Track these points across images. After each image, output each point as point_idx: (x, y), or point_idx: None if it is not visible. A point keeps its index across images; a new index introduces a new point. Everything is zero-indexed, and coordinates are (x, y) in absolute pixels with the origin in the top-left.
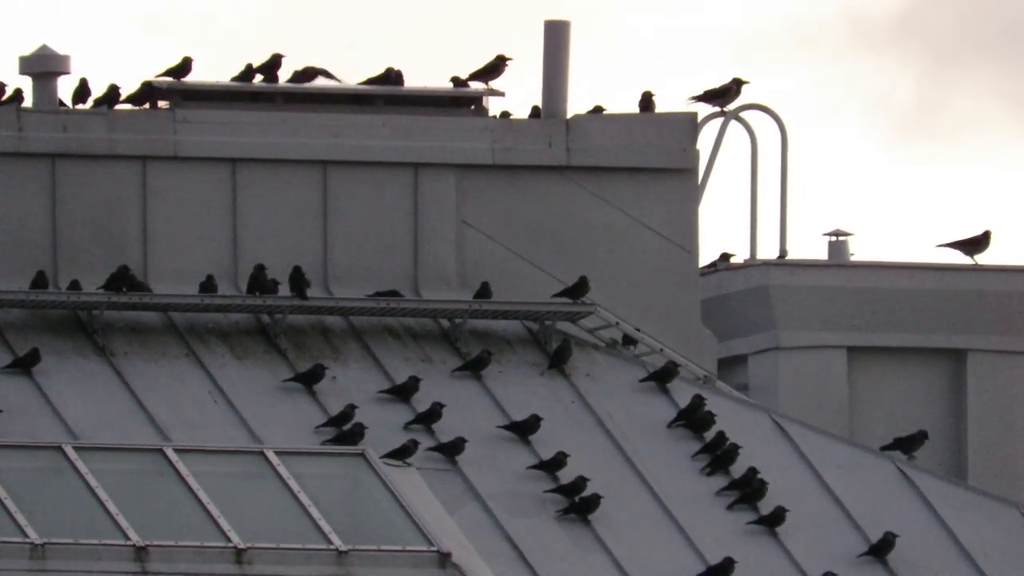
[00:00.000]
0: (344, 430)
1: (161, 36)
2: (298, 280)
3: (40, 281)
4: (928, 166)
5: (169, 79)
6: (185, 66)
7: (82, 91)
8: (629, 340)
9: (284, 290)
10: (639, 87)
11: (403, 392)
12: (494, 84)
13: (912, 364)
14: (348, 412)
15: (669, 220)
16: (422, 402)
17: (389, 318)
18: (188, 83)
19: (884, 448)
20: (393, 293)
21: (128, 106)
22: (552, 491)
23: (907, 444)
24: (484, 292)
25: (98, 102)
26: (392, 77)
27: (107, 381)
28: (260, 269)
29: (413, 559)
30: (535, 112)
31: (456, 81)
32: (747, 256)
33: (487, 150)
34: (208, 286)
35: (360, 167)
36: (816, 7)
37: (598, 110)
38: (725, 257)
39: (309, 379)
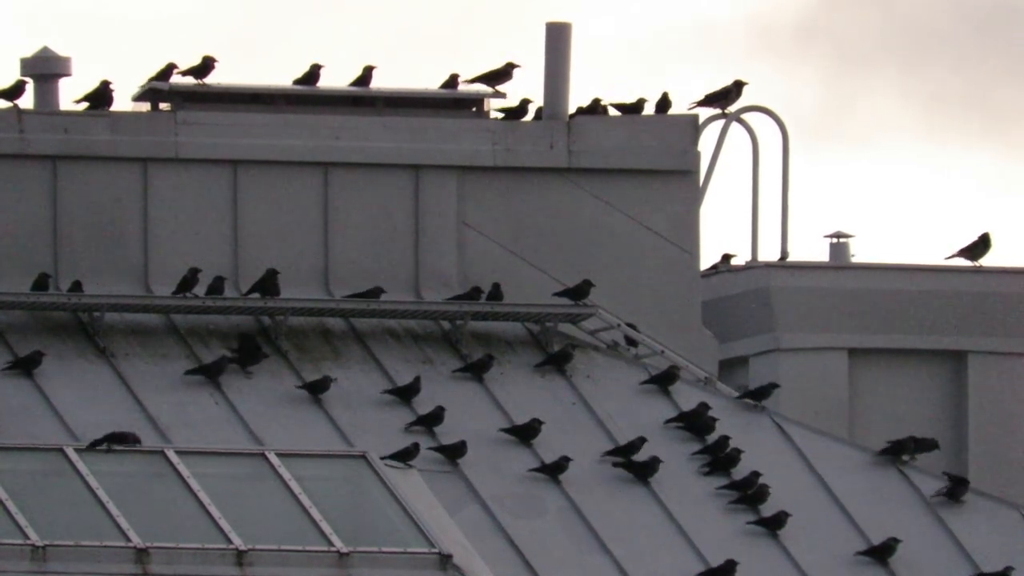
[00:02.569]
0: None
1: (161, 36)
2: (268, 283)
3: (42, 283)
4: (833, 167)
5: (167, 81)
6: (206, 66)
7: (100, 95)
8: (631, 341)
9: (286, 294)
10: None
11: (405, 393)
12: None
13: (913, 366)
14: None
15: (670, 222)
16: (424, 404)
17: (390, 320)
18: (189, 85)
19: (884, 451)
20: (375, 292)
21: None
22: (537, 470)
23: (899, 447)
24: (493, 294)
25: (89, 99)
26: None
27: (108, 383)
28: (273, 273)
29: (414, 561)
30: (538, 114)
31: (452, 81)
32: (748, 258)
33: (488, 152)
34: (215, 288)
35: (361, 169)
36: (718, 10)
37: (596, 104)
38: (726, 258)
39: (316, 389)
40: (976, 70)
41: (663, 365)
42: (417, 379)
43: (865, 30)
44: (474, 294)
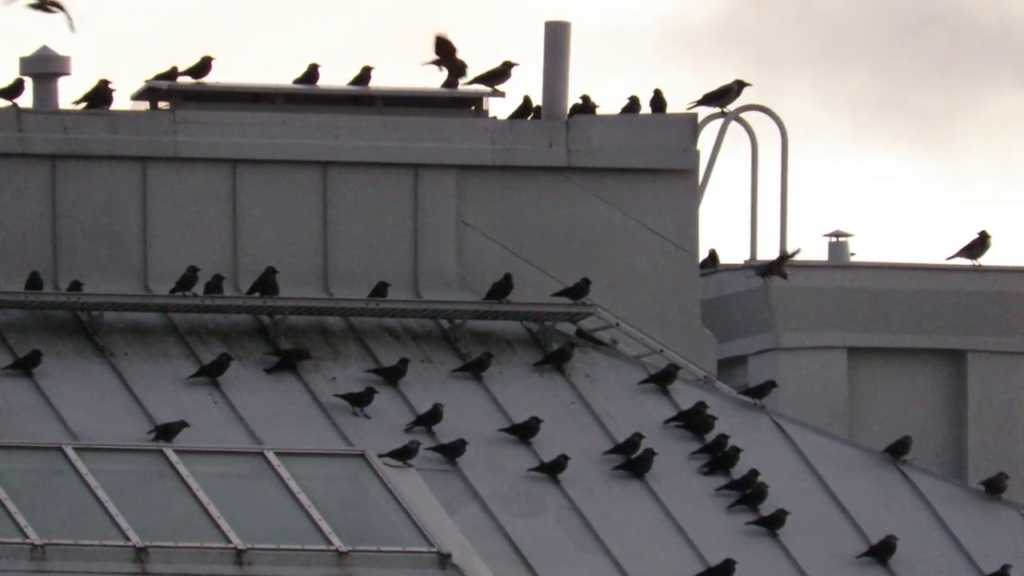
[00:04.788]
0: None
1: (161, 36)
2: (267, 281)
3: (34, 282)
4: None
5: (168, 81)
6: (204, 66)
7: (99, 94)
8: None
9: (285, 293)
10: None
11: (392, 375)
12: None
13: (912, 365)
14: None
15: (669, 221)
16: (422, 403)
17: (389, 319)
18: (188, 84)
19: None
20: (381, 288)
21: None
22: (536, 469)
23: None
24: (497, 291)
25: (88, 98)
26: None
27: (107, 382)
28: (271, 272)
29: (413, 560)
30: (536, 113)
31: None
32: (747, 257)
33: (487, 151)
34: (214, 287)
35: (360, 168)
36: (634, 13)
37: (586, 101)
38: (712, 255)
39: (394, 374)
40: (895, 73)
41: (662, 364)
42: (403, 361)
43: (783, 32)
44: (506, 281)
